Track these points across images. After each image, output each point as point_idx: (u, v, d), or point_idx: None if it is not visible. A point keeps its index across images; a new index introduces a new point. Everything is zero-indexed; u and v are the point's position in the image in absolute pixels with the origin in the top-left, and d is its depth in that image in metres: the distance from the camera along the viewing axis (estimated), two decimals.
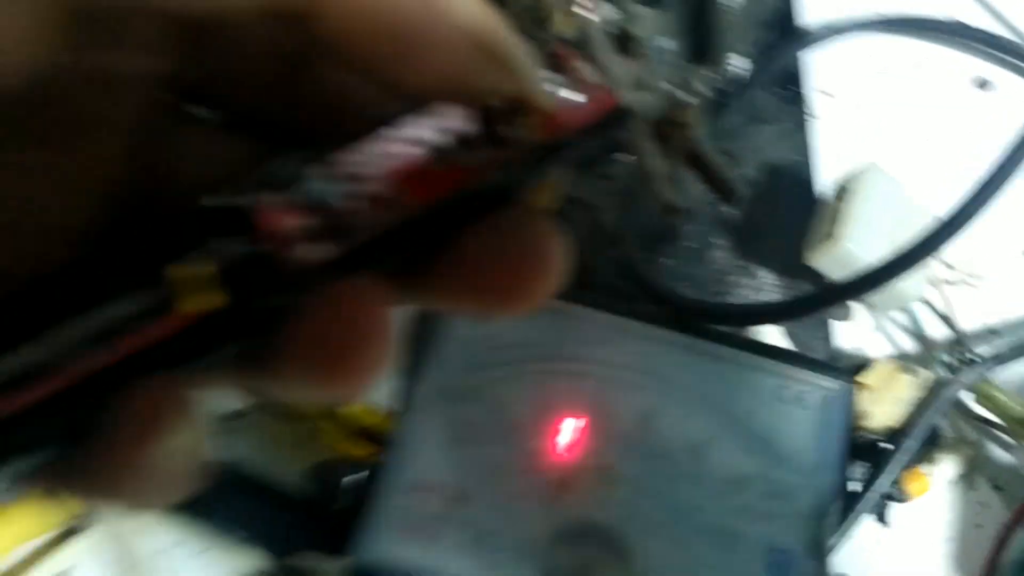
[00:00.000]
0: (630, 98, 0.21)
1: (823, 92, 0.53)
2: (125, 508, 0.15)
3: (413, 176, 0.16)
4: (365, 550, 0.35)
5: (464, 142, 0.17)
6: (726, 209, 0.40)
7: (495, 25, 0.16)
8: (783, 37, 0.55)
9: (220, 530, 0.41)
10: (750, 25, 0.55)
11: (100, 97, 0.15)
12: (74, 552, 0.42)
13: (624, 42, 0.23)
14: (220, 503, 0.40)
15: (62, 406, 0.14)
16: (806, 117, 0.52)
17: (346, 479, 0.39)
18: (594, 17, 0.22)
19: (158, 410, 0.14)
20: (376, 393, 0.39)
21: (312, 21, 0.15)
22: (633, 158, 0.22)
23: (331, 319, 0.15)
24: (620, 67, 0.21)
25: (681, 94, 0.23)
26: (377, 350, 0.15)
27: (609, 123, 0.19)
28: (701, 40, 0.52)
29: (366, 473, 0.38)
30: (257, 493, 0.41)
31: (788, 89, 0.53)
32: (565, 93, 0.18)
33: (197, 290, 0.15)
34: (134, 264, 0.15)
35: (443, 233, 0.17)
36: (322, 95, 0.18)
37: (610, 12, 0.24)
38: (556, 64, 0.19)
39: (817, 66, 0.54)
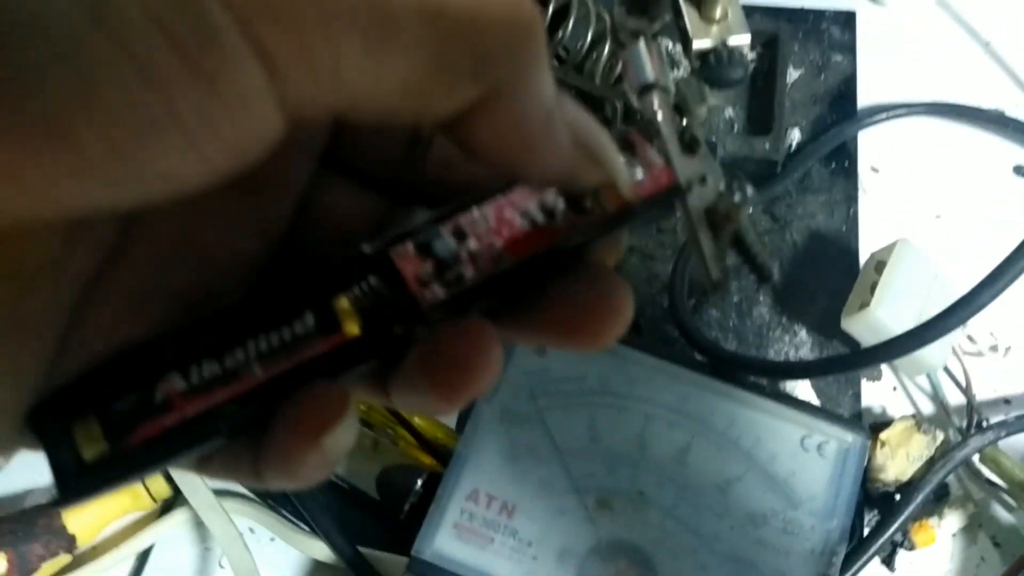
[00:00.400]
0: (691, 194, 0.26)
1: (871, 168, 0.58)
2: (288, 486, 0.19)
3: (511, 236, 0.21)
4: (425, 547, 0.40)
5: (550, 211, 0.21)
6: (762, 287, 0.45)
7: (595, 131, 0.20)
8: (839, 115, 0.59)
9: (294, 519, 0.47)
10: (810, 102, 0.60)
11: (281, 160, 0.18)
12: (157, 532, 0.47)
13: (690, 141, 0.28)
14: (298, 495, 0.45)
15: (251, 402, 0.19)
16: (854, 191, 0.57)
17: (414, 484, 0.44)
18: (665, 117, 0.27)
19: (330, 408, 0.18)
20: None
21: (462, 134, 0.17)
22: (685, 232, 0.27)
23: (449, 349, 0.19)
24: (684, 162, 0.25)
25: (731, 193, 0.28)
26: (483, 376, 0.19)
27: (669, 197, 0.23)
28: (765, 114, 0.57)
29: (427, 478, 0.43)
30: (332, 489, 0.46)
31: (839, 163, 0.58)
32: (636, 172, 0.22)
33: (354, 317, 0.19)
34: (303, 295, 0.20)
35: (534, 282, 0.21)
36: (444, 168, 0.23)
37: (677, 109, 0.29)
38: (630, 147, 0.23)
39: (868, 143, 0.58)
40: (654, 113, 0.26)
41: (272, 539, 0.47)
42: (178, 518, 0.48)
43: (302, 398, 0.19)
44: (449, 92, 0.15)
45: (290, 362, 0.19)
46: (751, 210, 0.30)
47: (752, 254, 0.30)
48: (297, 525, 0.47)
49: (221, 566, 0.47)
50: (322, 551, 0.45)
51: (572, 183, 0.20)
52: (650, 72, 0.31)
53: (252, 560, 0.44)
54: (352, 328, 0.19)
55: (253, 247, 0.21)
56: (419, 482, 0.44)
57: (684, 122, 0.31)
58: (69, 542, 0.46)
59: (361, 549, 0.44)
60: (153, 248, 0.20)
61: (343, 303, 0.19)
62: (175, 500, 0.48)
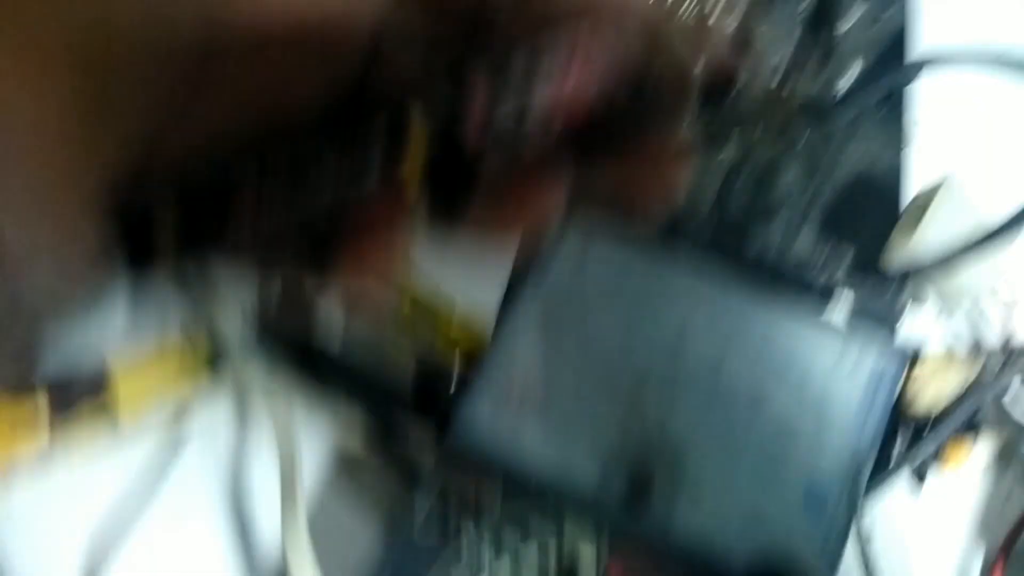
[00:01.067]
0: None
1: (920, 119, 0.58)
2: (363, 286, 0.21)
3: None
4: (460, 433, 0.41)
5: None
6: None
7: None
8: (894, 59, 0.59)
9: (332, 401, 0.47)
10: (867, 41, 0.60)
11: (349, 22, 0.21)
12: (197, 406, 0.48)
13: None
14: (339, 376, 0.46)
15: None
16: (903, 135, 0.57)
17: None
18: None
19: (396, 210, 0.20)
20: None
21: None
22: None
23: (519, 177, 0.21)
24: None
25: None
26: (551, 203, 0.21)
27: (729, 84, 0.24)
28: (823, 47, 0.57)
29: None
30: (372, 373, 0.47)
31: (890, 111, 0.58)
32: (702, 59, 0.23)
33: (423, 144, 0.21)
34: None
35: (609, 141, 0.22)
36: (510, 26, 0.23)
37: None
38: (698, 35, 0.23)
39: (921, 93, 0.58)
40: None
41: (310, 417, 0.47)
42: (219, 392, 0.48)
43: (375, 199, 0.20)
44: None
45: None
46: None
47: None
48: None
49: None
50: (353, 439, 0.46)
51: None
52: None
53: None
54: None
55: (321, 97, 0.22)
56: (453, 385, 0.45)
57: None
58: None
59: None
60: (229, 91, 0.20)
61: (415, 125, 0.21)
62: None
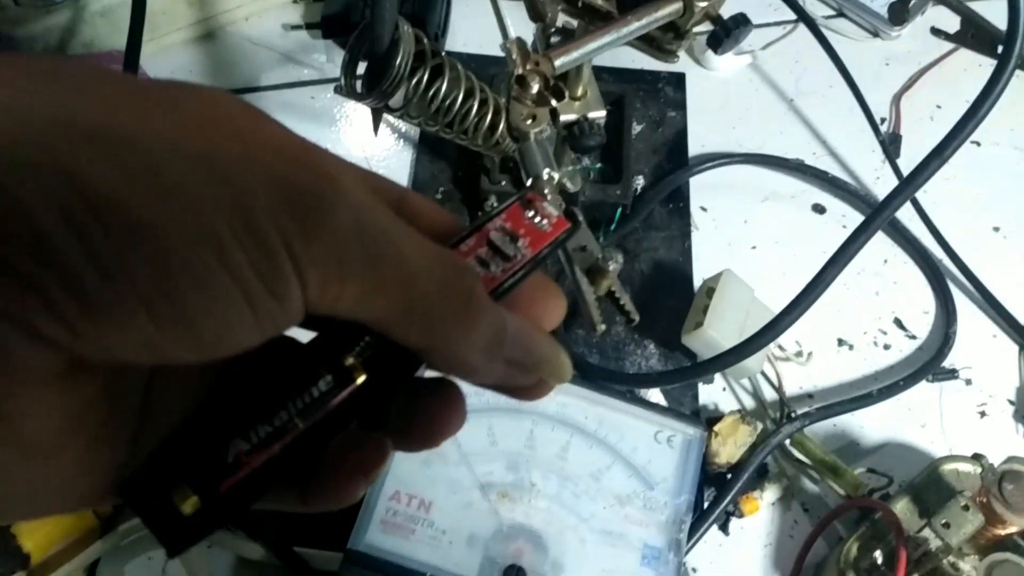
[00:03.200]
0: (575, 256, 0.35)
1: (700, 207, 0.70)
2: (330, 508, 0.26)
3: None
4: (359, 540, 0.48)
5: (486, 263, 0.27)
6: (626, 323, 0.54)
7: (534, 348, 0.25)
8: (674, 163, 0.71)
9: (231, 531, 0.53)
10: (650, 152, 0.72)
11: None
12: (102, 546, 0.52)
13: (570, 216, 0.36)
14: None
15: (299, 448, 0.22)
16: (688, 227, 0.69)
17: None
18: (553, 197, 0.37)
19: (373, 458, 0.25)
20: None
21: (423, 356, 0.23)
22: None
23: (435, 406, 0.26)
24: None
25: (605, 259, 0.39)
26: (457, 423, 0.26)
27: (568, 236, 0.30)
28: (614, 164, 0.68)
29: None
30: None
31: (675, 204, 0.70)
32: (542, 223, 0.29)
33: (360, 368, 0.23)
34: (318, 359, 0.23)
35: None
36: None
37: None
38: (531, 204, 0.29)
39: (697, 187, 0.71)
40: (544, 193, 0.34)
41: (209, 546, 0.54)
42: (121, 533, 0.53)
43: (348, 447, 0.25)
44: (405, 335, 0.22)
45: (323, 411, 0.23)
46: (619, 269, 0.40)
47: (621, 303, 0.41)
48: (232, 531, 0.53)
49: (164, 573, 0.54)
50: (256, 551, 0.52)
51: (511, 387, 0.26)
52: (540, 164, 0.41)
53: (206, 563, 0.51)
54: (360, 376, 0.24)
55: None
56: None
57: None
58: (24, 560, 0.51)
59: (296, 548, 0.52)
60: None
61: (350, 360, 0.23)
62: (117, 517, 0.54)
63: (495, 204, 0.28)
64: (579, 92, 0.56)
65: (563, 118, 0.54)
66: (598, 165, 0.68)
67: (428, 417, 0.26)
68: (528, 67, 0.41)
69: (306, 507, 0.25)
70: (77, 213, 0.16)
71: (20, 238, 0.16)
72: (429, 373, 0.25)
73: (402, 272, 0.21)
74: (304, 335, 0.24)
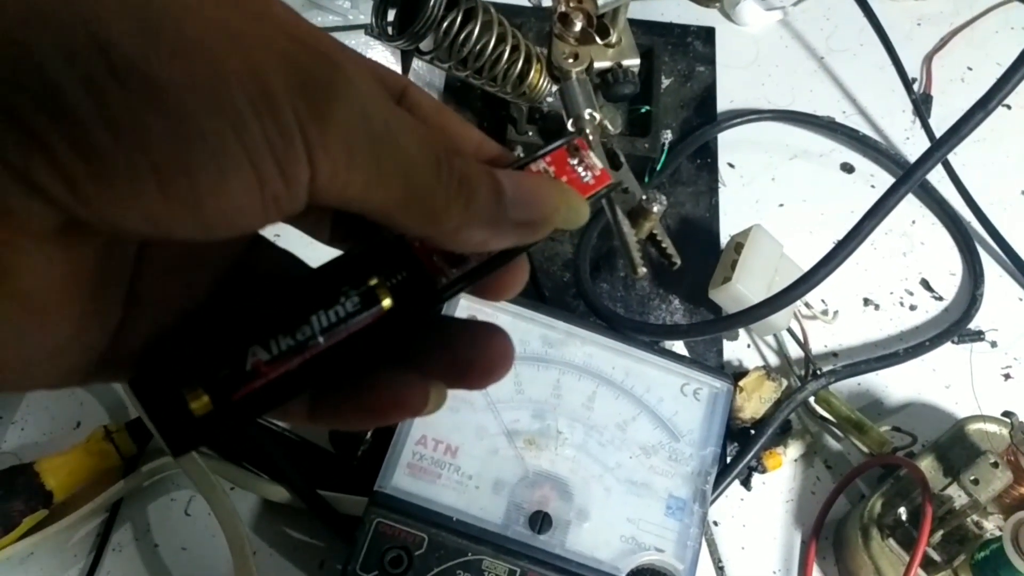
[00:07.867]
0: (617, 199, 0.35)
1: (728, 164, 0.69)
2: (336, 428, 0.25)
3: None
4: (386, 483, 0.48)
5: None
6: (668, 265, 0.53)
7: (540, 200, 0.25)
8: (702, 119, 0.70)
9: (252, 468, 0.53)
10: (678, 107, 0.71)
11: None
12: (125, 486, 0.52)
13: (612, 158, 0.37)
14: (256, 447, 0.52)
15: (318, 365, 0.22)
16: (715, 183, 0.68)
17: (365, 433, 0.52)
18: (595, 139, 0.36)
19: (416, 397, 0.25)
20: None
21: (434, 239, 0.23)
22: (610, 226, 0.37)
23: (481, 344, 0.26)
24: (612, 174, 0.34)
25: (648, 200, 0.38)
26: (502, 367, 0.26)
27: (609, 191, 0.29)
28: (643, 118, 0.67)
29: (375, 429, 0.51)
30: (286, 442, 0.53)
31: (703, 160, 0.69)
32: (585, 174, 0.28)
33: (387, 293, 0.23)
34: (347, 276, 0.23)
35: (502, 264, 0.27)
36: None
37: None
38: (577, 152, 0.28)
39: (725, 143, 0.70)
40: (586, 135, 0.34)
41: (232, 488, 0.54)
42: (144, 473, 0.53)
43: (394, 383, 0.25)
44: (407, 223, 0.22)
45: (346, 331, 0.23)
46: (662, 212, 0.40)
47: (663, 246, 0.40)
48: (256, 473, 0.53)
49: (187, 514, 0.54)
50: (280, 493, 0.52)
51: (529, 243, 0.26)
52: (582, 103, 0.40)
53: (231, 503, 0.51)
54: (386, 299, 0.23)
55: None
56: (369, 432, 0.52)
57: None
58: (47, 498, 0.51)
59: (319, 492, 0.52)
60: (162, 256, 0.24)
61: (374, 281, 0.23)
62: (139, 458, 0.54)
63: (521, 154, 0.27)
64: (614, 39, 0.55)
65: (597, 65, 0.53)
66: (645, 108, 0.67)
67: (483, 354, 0.26)
68: (571, 4, 0.40)
69: (309, 422, 0.25)
70: (93, 67, 0.15)
71: (31, 90, 0.15)
72: (470, 314, 0.25)
73: (402, 163, 0.21)
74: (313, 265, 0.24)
